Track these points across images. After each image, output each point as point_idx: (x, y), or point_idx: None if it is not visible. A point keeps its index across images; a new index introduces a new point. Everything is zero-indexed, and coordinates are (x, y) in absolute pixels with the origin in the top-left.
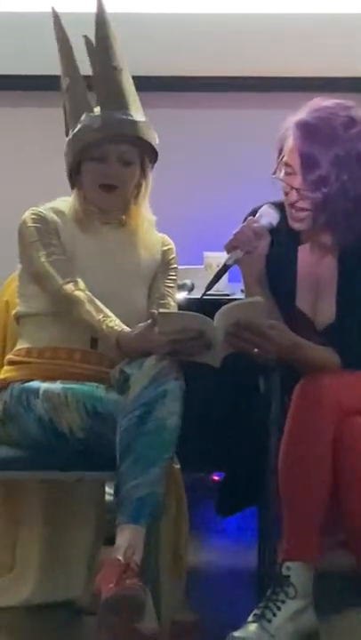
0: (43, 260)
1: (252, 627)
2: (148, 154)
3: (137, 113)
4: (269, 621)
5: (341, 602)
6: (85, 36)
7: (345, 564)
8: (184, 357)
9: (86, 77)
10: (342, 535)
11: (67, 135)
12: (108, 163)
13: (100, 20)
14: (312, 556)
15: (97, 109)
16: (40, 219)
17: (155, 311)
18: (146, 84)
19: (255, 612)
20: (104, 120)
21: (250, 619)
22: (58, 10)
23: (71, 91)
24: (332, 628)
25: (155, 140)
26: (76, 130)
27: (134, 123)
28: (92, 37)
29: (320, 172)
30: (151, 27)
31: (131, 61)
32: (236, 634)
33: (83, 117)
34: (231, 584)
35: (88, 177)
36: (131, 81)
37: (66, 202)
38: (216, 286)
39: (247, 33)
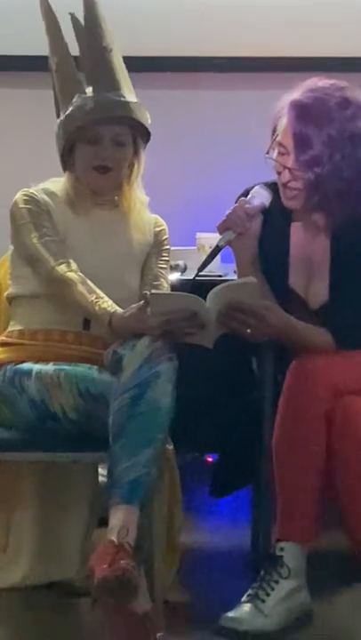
0: (35, 241)
1: (246, 607)
2: (141, 134)
3: (129, 94)
4: (263, 601)
5: (335, 581)
6: (72, 15)
7: (338, 543)
8: (177, 338)
9: (75, 57)
10: (335, 515)
11: (57, 116)
12: (102, 144)
13: (89, 1)
14: (305, 536)
15: (89, 90)
16: (31, 200)
17: (147, 292)
18: (139, 65)
19: (249, 592)
20: (97, 101)
21: (243, 599)
22: None
23: (60, 70)
24: (325, 607)
25: (147, 120)
26: (68, 111)
27: (127, 104)
28: (81, 18)
29: (313, 152)
30: (145, 7)
31: (124, 42)
32: (230, 614)
33: (75, 99)
34: (225, 565)
35: (81, 159)
36: (121, 61)
37: (57, 183)
38: (209, 267)
39: (241, 13)
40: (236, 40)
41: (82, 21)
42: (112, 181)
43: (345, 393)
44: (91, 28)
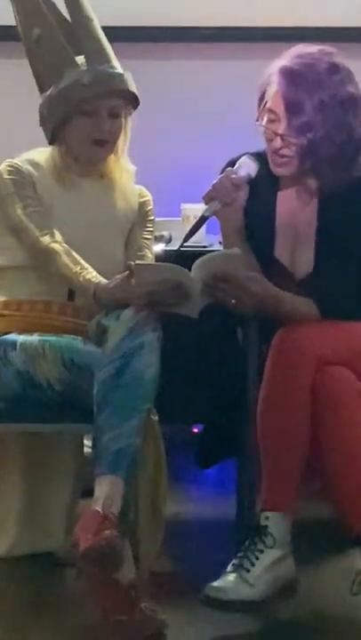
0: (19, 212)
1: (231, 576)
2: (131, 104)
3: (118, 64)
4: (248, 571)
5: (319, 550)
6: None
7: (323, 512)
8: (162, 309)
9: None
10: (319, 484)
11: (40, 89)
12: (101, 117)
13: None
14: (290, 506)
15: (79, 61)
16: (16, 170)
17: (132, 263)
18: (125, 35)
19: (233, 561)
20: (94, 74)
21: (228, 569)
22: None
23: (44, 42)
24: (310, 576)
25: (135, 89)
26: (63, 85)
27: (121, 76)
28: None
29: (305, 117)
30: None
31: (111, 12)
32: (215, 584)
33: (67, 71)
34: (210, 535)
35: (77, 132)
36: (101, 30)
37: (42, 153)
38: (194, 238)
39: None
40: (221, 10)
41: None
42: (108, 153)
43: (329, 363)
44: (71, 1)
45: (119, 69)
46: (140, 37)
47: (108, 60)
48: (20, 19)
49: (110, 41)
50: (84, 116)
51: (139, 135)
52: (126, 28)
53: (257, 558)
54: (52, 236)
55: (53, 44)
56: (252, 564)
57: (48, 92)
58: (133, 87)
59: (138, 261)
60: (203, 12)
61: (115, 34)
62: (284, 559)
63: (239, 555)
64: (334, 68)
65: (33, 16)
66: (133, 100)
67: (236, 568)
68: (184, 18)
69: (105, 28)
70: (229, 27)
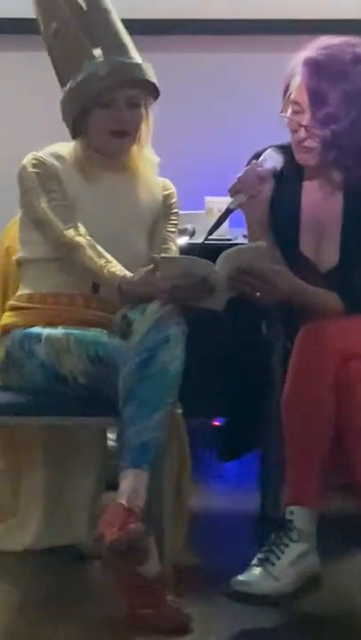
0: (43, 205)
1: (256, 570)
2: (152, 94)
3: (136, 55)
4: (273, 565)
5: (344, 545)
6: None
7: (348, 507)
8: (186, 302)
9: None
10: (344, 478)
11: (61, 82)
12: (118, 108)
13: None
14: (315, 500)
15: (97, 53)
16: (40, 164)
17: (156, 256)
18: (147, 28)
19: (259, 555)
20: (111, 65)
21: (253, 562)
22: None
23: (62, 35)
24: (335, 570)
25: (155, 79)
26: (81, 78)
27: (139, 66)
28: None
29: (329, 108)
30: None
31: (133, 4)
32: (240, 577)
33: (85, 64)
34: (233, 528)
35: (97, 124)
36: (120, 22)
37: (66, 147)
38: (217, 231)
39: None
40: (247, 2)
41: None
42: (129, 145)
43: (354, 357)
44: None
45: (137, 60)
46: (163, 30)
47: (125, 52)
48: (39, 13)
49: (133, 34)
50: (103, 107)
51: (163, 128)
52: (150, 21)
53: (282, 552)
54: (77, 229)
55: (71, 37)
56: (278, 558)
57: (67, 86)
58: (152, 77)
59: (162, 254)
60: (227, 4)
61: (139, 26)
62: (309, 553)
63: (264, 549)
64: (358, 59)
65: (50, 10)
66: (153, 91)
67: (262, 562)
68: (208, 10)
69: (128, 21)
70: (256, 19)
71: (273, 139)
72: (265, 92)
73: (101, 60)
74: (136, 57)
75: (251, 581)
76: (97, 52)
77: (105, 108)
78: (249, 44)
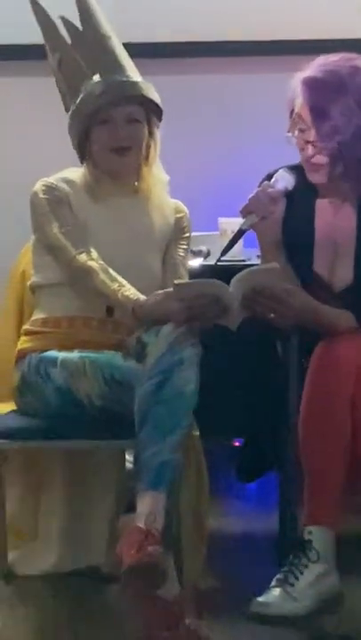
0: (55, 231)
1: (276, 591)
2: (154, 113)
3: (135, 74)
4: (292, 585)
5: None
6: (62, 17)
7: None
8: (201, 323)
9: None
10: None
11: (67, 110)
12: (116, 125)
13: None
14: (333, 520)
15: (95, 77)
16: (50, 189)
17: (176, 281)
18: (160, 51)
19: (278, 576)
20: (106, 84)
21: (273, 583)
22: None
23: (64, 64)
24: (356, 590)
25: (158, 98)
26: (79, 100)
27: (135, 83)
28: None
29: (332, 121)
30: None
31: (145, 29)
32: (260, 599)
33: (82, 87)
34: (252, 549)
35: (97, 143)
36: (122, 47)
37: (76, 172)
38: (231, 252)
39: None
40: (259, 24)
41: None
42: (132, 161)
43: None
44: (86, 20)
45: (135, 78)
46: (176, 53)
47: (122, 71)
48: (46, 43)
49: (144, 57)
50: (101, 126)
51: (177, 149)
52: (162, 44)
53: (301, 573)
54: (89, 254)
55: (72, 65)
56: (297, 579)
57: (70, 111)
58: (151, 94)
59: (176, 281)
60: (240, 26)
61: (148, 50)
62: (328, 573)
63: (283, 569)
64: (356, 71)
65: (53, 41)
66: (156, 110)
67: (281, 583)
68: (221, 32)
69: (138, 45)
70: (268, 40)
71: (286, 160)
72: (278, 113)
73: (98, 80)
74: (134, 76)
75: (270, 602)
76: (96, 77)
77: (103, 126)
78: (262, 64)
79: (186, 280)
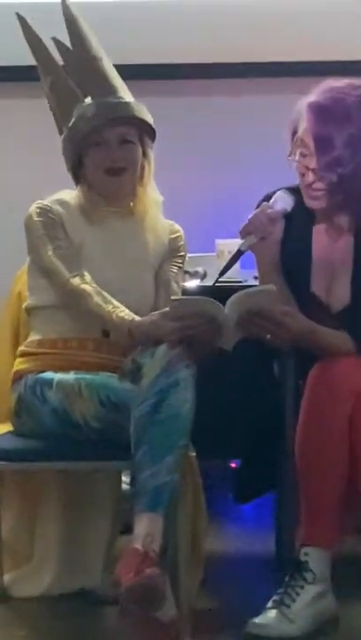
0: (49, 254)
1: (272, 613)
2: (147, 133)
3: (127, 95)
4: (288, 607)
5: (352, 586)
6: (54, 38)
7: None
8: (197, 346)
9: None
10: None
11: (60, 132)
12: (110, 146)
13: (69, 18)
14: (330, 541)
15: (87, 99)
16: (45, 212)
17: (172, 297)
18: (155, 72)
19: (274, 597)
20: (98, 106)
21: (269, 605)
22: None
23: (56, 88)
24: (351, 612)
25: (150, 118)
26: (71, 123)
27: (127, 104)
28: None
29: (334, 152)
30: (157, 15)
31: (138, 50)
32: (257, 620)
33: (75, 110)
34: (249, 571)
35: (91, 165)
36: (113, 68)
37: (71, 194)
38: (228, 273)
39: (254, 18)
40: (253, 46)
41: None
42: (127, 182)
43: None
44: (76, 43)
45: (126, 99)
46: (171, 75)
47: (113, 92)
48: (38, 65)
49: (137, 79)
50: (94, 148)
51: (173, 171)
52: (156, 66)
53: (297, 594)
54: (82, 277)
55: (64, 88)
56: (293, 600)
57: (63, 135)
58: (144, 115)
59: (173, 296)
60: (234, 47)
61: (141, 72)
62: (324, 595)
63: (280, 591)
64: None
65: (45, 64)
66: (149, 130)
67: (277, 604)
68: (215, 54)
69: (130, 67)
70: (262, 62)
71: (283, 182)
72: (276, 134)
73: (90, 102)
74: (126, 97)
75: (266, 624)
76: (88, 99)
77: (97, 148)
78: (262, 86)
79: (182, 297)
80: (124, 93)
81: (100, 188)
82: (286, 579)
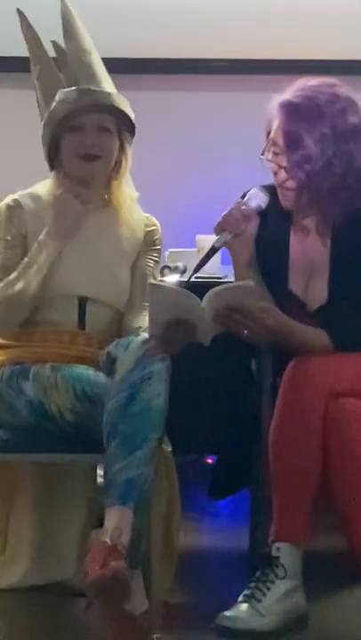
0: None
1: (243, 606)
2: (126, 127)
3: (110, 87)
4: (259, 601)
5: (332, 583)
6: (54, 42)
7: (335, 545)
8: (174, 349)
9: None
10: (332, 516)
11: (42, 120)
12: (87, 132)
13: (64, 10)
14: (301, 538)
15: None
16: (11, 210)
17: (150, 281)
18: (138, 67)
19: (245, 592)
20: (79, 92)
21: (240, 599)
22: None
23: (43, 77)
24: (321, 609)
25: (131, 112)
26: (52, 107)
27: (109, 94)
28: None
29: (304, 150)
30: (144, 10)
31: (123, 44)
32: (227, 613)
33: (56, 96)
34: (222, 566)
35: (67, 149)
36: (101, 62)
37: (45, 186)
38: (209, 269)
39: (238, 16)
40: (235, 42)
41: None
42: (100, 169)
43: (341, 394)
44: (69, 35)
45: (108, 90)
46: (154, 69)
47: (97, 82)
48: (30, 55)
49: (124, 72)
50: (72, 132)
51: (155, 166)
52: (140, 60)
53: (268, 589)
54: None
55: (51, 78)
56: (264, 595)
57: (43, 121)
58: (124, 106)
59: (152, 281)
60: (216, 44)
61: (129, 65)
62: (295, 591)
63: (250, 585)
64: (335, 99)
65: (35, 53)
66: (129, 124)
67: (248, 598)
68: (198, 50)
69: (119, 60)
70: (244, 59)
71: (266, 178)
72: (258, 131)
73: (72, 89)
74: (108, 87)
75: (237, 617)
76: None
77: (74, 133)
78: (241, 83)
79: (160, 282)
80: (107, 84)
81: (74, 173)
82: (258, 573)
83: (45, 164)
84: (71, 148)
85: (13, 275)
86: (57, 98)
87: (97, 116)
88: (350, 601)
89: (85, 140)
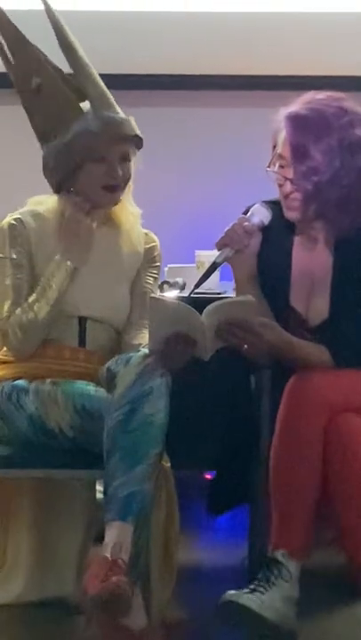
0: (7, 282)
1: (247, 591)
2: (136, 146)
3: (120, 110)
4: (263, 594)
5: (327, 600)
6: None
7: (333, 561)
8: (174, 365)
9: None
10: (332, 532)
11: (42, 137)
12: (111, 163)
13: (55, 25)
14: (300, 552)
15: (84, 108)
16: (14, 229)
17: (152, 295)
18: (138, 83)
19: (250, 586)
20: (104, 121)
21: (244, 591)
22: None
23: (46, 91)
24: (317, 625)
25: (140, 134)
26: (72, 135)
27: (129, 122)
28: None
29: (311, 162)
30: (144, 26)
31: (126, 59)
32: (231, 592)
33: (74, 120)
34: (221, 582)
35: (89, 179)
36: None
37: (46, 202)
38: (207, 284)
39: (239, 31)
40: (236, 58)
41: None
42: (119, 198)
43: (341, 410)
44: (70, 51)
45: (122, 115)
46: (154, 85)
47: (111, 106)
48: (17, 67)
49: (127, 88)
50: (95, 162)
51: (155, 182)
52: (140, 76)
53: (270, 587)
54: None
55: (56, 92)
56: (266, 590)
57: (55, 142)
58: (138, 131)
59: (153, 295)
60: (217, 60)
61: (133, 81)
62: (291, 602)
63: (255, 582)
64: (342, 112)
65: (32, 65)
66: (138, 143)
67: (252, 591)
68: (198, 66)
69: (120, 76)
70: (245, 75)
71: (267, 194)
72: (258, 146)
73: (91, 115)
74: (120, 111)
75: (241, 595)
76: (84, 106)
77: (98, 163)
78: (245, 98)
79: (162, 297)
80: (118, 107)
81: (95, 202)
82: (259, 575)
83: (36, 181)
84: (95, 177)
85: (32, 298)
86: (77, 124)
87: (122, 148)
88: (345, 617)
89: (111, 171)
